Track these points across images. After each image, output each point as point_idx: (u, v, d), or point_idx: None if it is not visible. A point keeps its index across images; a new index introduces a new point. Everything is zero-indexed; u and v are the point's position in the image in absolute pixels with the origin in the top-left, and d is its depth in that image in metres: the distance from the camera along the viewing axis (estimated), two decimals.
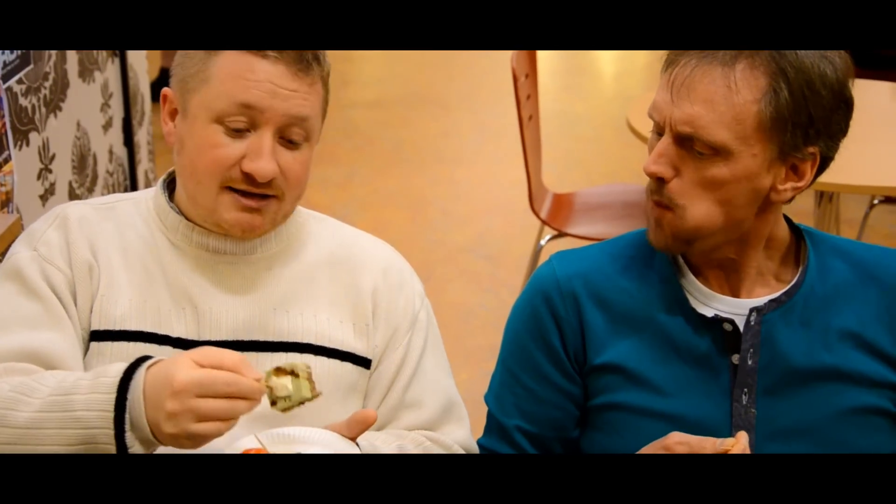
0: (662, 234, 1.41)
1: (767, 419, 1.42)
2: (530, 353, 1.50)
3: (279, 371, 1.25)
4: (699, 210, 1.38)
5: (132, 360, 1.28)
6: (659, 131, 1.40)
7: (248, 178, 1.39)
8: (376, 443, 1.45)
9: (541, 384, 1.50)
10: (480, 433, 1.59)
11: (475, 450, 1.56)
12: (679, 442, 1.32)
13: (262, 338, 1.46)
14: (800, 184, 1.40)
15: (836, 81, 1.35)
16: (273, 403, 1.26)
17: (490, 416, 1.56)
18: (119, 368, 1.27)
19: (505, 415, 1.53)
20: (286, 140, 1.41)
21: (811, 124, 1.35)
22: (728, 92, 1.33)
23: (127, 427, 1.24)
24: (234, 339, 1.43)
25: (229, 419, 1.22)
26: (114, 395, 1.24)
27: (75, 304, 1.43)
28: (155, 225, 1.49)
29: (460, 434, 1.55)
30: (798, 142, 1.36)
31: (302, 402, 1.27)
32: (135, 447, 1.25)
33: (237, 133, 1.39)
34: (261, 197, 1.41)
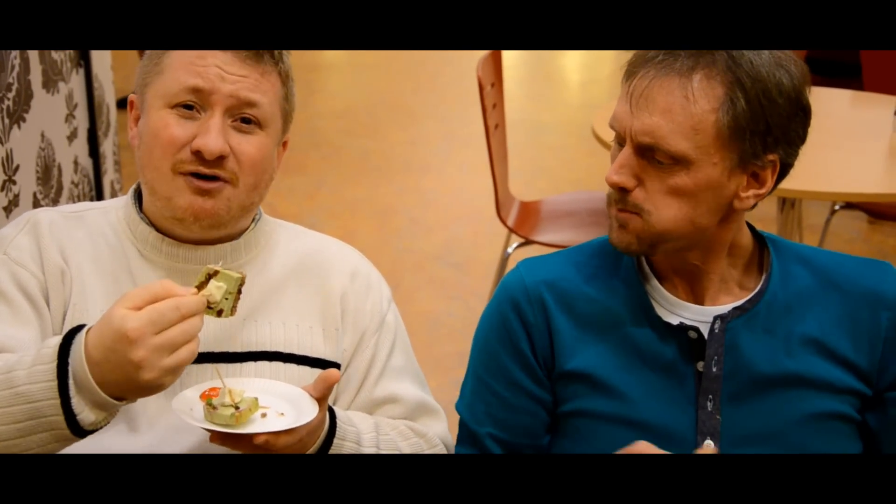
0: (626, 236, 1.42)
1: (732, 425, 1.44)
2: (500, 360, 1.51)
3: (200, 285, 1.28)
4: (667, 215, 1.39)
5: None
6: (620, 141, 1.42)
7: (198, 156, 1.40)
8: (354, 418, 1.46)
9: (511, 391, 1.51)
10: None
11: (453, 445, 1.56)
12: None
13: (230, 349, 1.47)
14: (761, 191, 1.42)
15: (793, 89, 1.37)
16: (219, 313, 1.28)
17: (462, 424, 1.57)
18: (58, 338, 1.25)
19: (477, 423, 1.54)
20: (239, 122, 1.43)
21: (769, 132, 1.37)
22: (686, 102, 1.35)
23: (72, 392, 1.22)
24: (205, 350, 1.43)
25: (193, 339, 1.23)
26: (55, 363, 1.23)
27: (48, 308, 1.42)
28: (125, 235, 1.49)
29: (439, 427, 1.56)
30: (757, 149, 1.38)
31: (240, 290, 1.29)
32: (84, 413, 1.23)
33: (189, 115, 1.41)
34: (212, 179, 1.42)
